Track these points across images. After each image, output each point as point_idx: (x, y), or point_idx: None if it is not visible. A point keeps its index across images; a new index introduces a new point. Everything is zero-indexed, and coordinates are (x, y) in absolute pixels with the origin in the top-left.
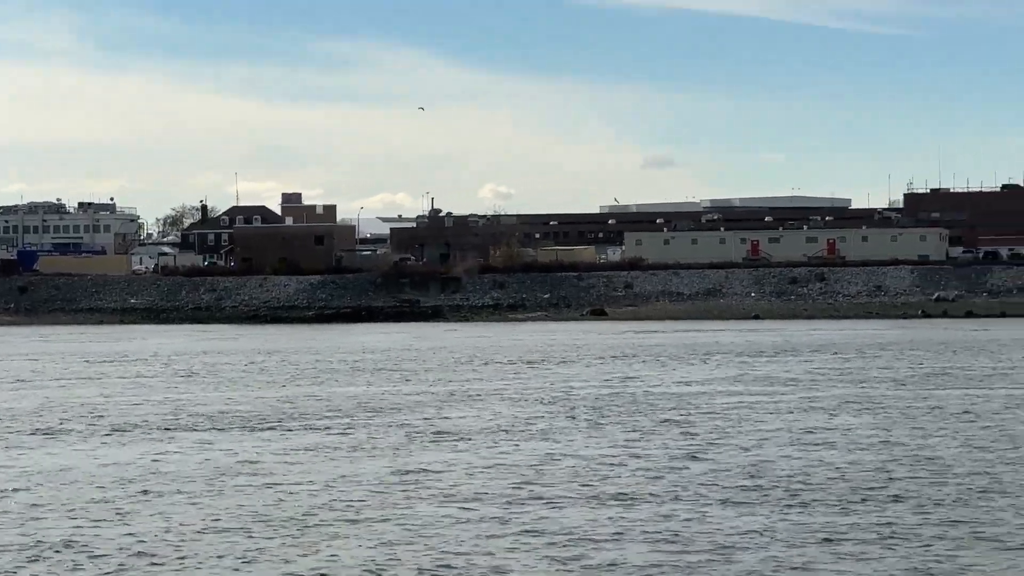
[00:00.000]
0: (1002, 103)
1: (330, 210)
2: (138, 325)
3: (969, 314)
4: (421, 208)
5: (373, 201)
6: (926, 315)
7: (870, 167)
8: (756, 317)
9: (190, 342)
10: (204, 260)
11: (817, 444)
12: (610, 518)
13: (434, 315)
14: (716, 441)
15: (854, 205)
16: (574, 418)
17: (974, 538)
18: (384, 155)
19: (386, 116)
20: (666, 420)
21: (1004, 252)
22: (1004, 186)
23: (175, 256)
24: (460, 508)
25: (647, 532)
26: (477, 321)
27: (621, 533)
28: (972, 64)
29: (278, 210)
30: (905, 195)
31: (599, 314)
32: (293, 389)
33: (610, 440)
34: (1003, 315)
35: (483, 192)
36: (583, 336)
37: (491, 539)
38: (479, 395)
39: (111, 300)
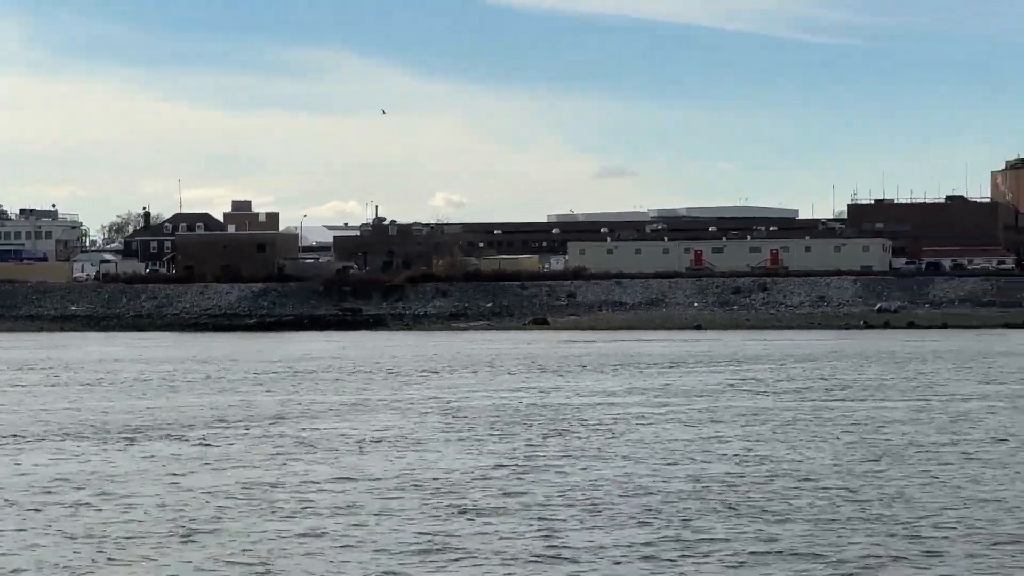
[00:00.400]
0: (947, 114)
1: (273, 218)
2: (78, 332)
3: (911, 325)
4: (372, 216)
5: (325, 209)
6: (868, 326)
7: (819, 178)
8: (698, 327)
9: (124, 350)
10: (146, 268)
11: (681, 456)
12: (448, 532)
13: (376, 324)
14: (585, 454)
15: (802, 216)
16: (456, 429)
17: (775, 553)
18: (336, 163)
19: (339, 124)
20: (549, 432)
21: (947, 263)
22: (948, 197)
23: (117, 263)
24: (290, 521)
25: (476, 547)
26: (419, 330)
27: (443, 549)
28: (919, 75)
29: (226, 218)
30: (849, 206)
31: (541, 323)
32: (189, 398)
33: (481, 452)
34: (945, 326)
35: (435, 201)
36: (514, 346)
37: (311, 555)
38: (376, 405)
39: (51, 307)
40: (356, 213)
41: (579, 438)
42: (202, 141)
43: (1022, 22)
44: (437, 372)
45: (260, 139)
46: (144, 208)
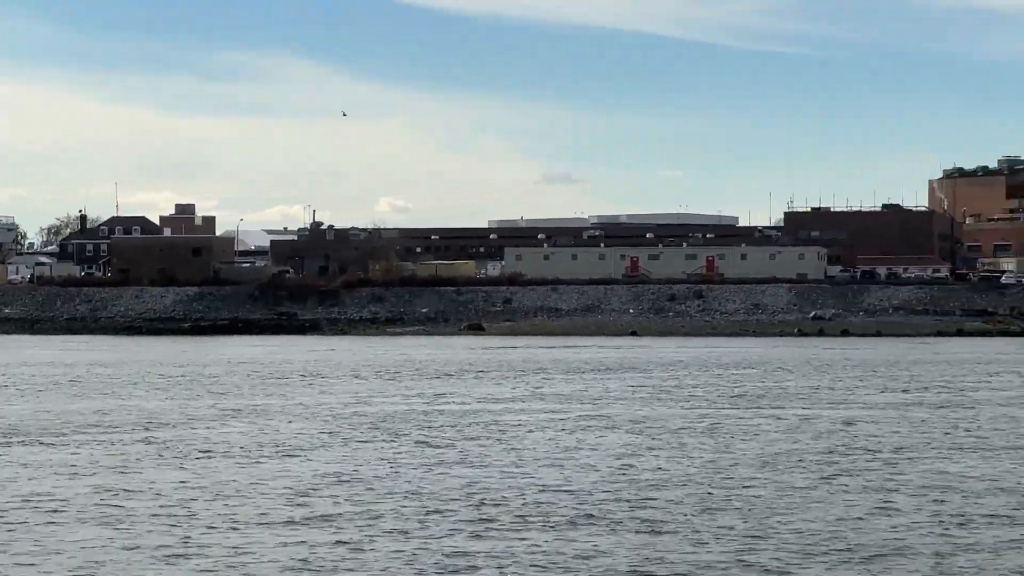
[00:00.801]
0: (886, 123)
1: (210, 222)
2: (11, 335)
3: (845, 333)
4: (313, 221)
5: (270, 213)
6: (803, 333)
7: (759, 185)
8: (633, 334)
9: (53, 353)
10: (82, 271)
11: (543, 463)
12: (282, 542)
13: (311, 328)
14: (456, 460)
15: (742, 223)
16: (331, 435)
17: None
18: (281, 167)
19: (284, 128)
20: (429, 438)
21: (882, 272)
22: (884, 206)
23: (51, 266)
24: (107, 529)
25: (276, 557)
26: (354, 335)
27: (260, 556)
28: (860, 84)
29: (163, 221)
30: (785, 214)
31: (477, 329)
32: (84, 402)
33: (343, 458)
34: (878, 334)
35: (380, 206)
36: (439, 352)
37: (131, 564)
38: (269, 410)
39: None
40: (301, 218)
41: (447, 445)
42: (146, 144)
43: (961, 34)
44: (351, 377)
45: (205, 143)
46: (80, 211)
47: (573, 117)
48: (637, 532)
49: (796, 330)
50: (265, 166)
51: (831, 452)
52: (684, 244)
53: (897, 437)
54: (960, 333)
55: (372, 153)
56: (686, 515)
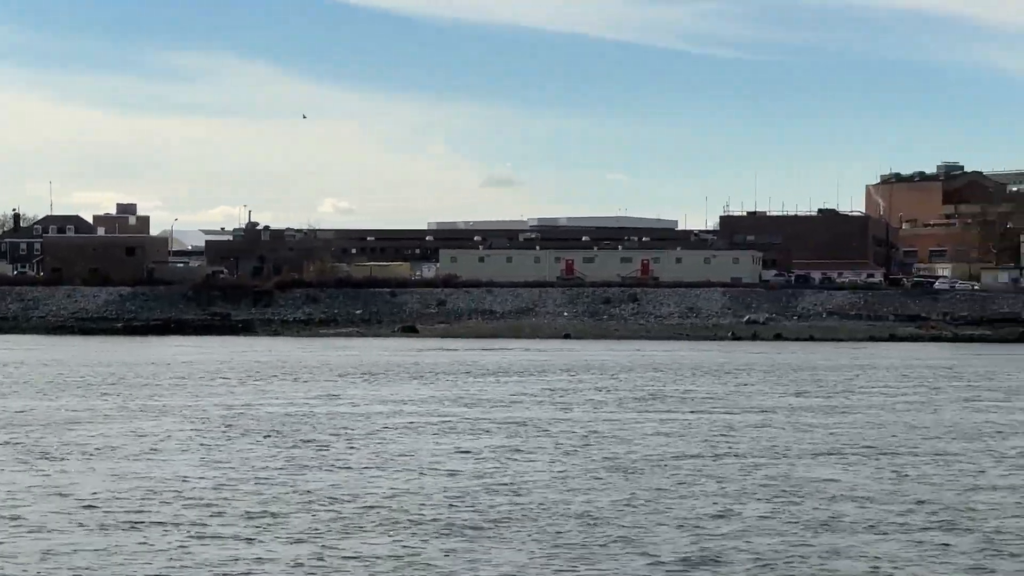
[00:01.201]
0: (825, 128)
1: (144, 221)
2: None
3: (778, 337)
4: (262, 221)
5: (214, 214)
6: (736, 337)
7: (701, 189)
8: (567, 336)
9: None
10: (14, 270)
11: (410, 467)
12: (117, 545)
13: (245, 329)
14: (307, 464)
15: (681, 227)
16: (208, 438)
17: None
18: (226, 168)
19: (229, 129)
20: (298, 442)
21: (817, 276)
22: (820, 210)
23: None
24: None
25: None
26: (288, 336)
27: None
28: (801, 88)
29: (96, 221)
30: (721, 218)
31: (411, 331)
32: None
33: (208, 462)
34: (811, 339)
35: (324, 207)
36: (362, 353)
37: None
38: (160, 411)
39: None
40: (245, 218)
41: (321, 448)
42: (90, 144)
43: (899, 40)
44: (251, 379)
45: (149, 143)
46: (13, 210)
47: (517, 120)
48: (446, 536)
49: (730, 334)
50: (209, 167)
51: (697, 456)
52: (619, 247)
53: (766, 442)
54: (893, 338)
55: (316, 154)
56: (511, 519)
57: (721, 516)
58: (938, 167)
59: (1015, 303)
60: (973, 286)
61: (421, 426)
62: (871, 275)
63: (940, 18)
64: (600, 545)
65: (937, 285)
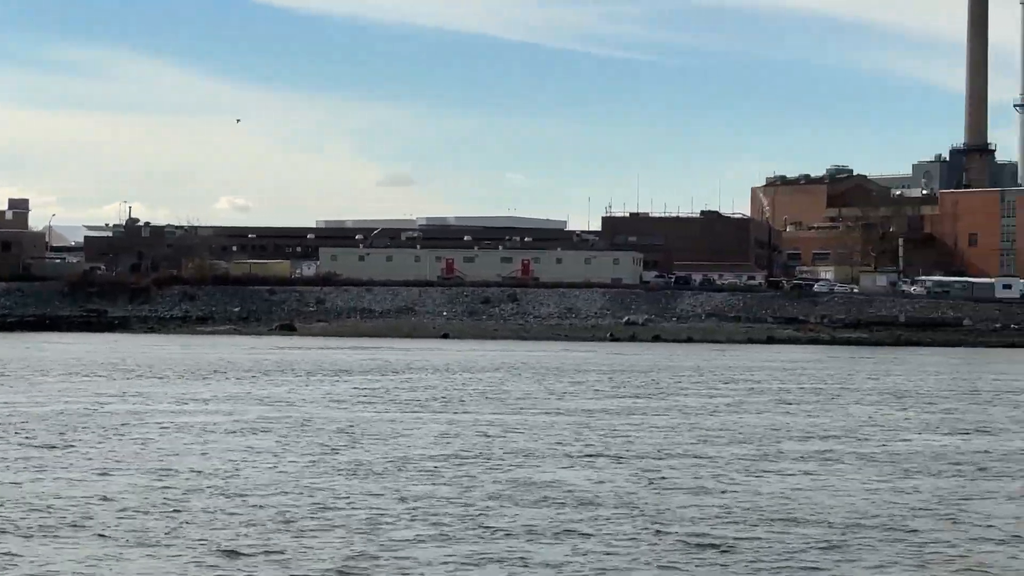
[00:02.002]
0: (718, 131)
1: (20, 217)
2: None
3: (656, 338)
4: (155, 218)
5: (108, 210)
6: (615, 339)
7: (596, 190)
8: (446, 336)
9: None
10: None
11: (159, 467)
12: None
13: (121, 326)
14: (47, 463)
15: (570, 227)
16: None
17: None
18: (121, 164)
19: (127, 125)
20: (59, 441)
21: (698, 278)
22: (703, 212)
23: None
24: None
25: None
26: (164, 333)
27: None
28: (697, 91)
29: None
30: (603, 218)
31: (288, 329)
32: None
33: None
34: (689, 340)
35: (220, 204)
36: (223, 351)
37: None
38: None
39: None
40: (140, 215)
41: (60, 446)
42: None
43: (795, 43)
44: (75, 375)
45: (44, 139)
46: None
47: (415, 119)
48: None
49: (608, 335)
50: (106, 163)
51: (452, 456)
52: (500, 247)
53: (530, 443)
54: (771, 340)
55: (212, 151)
56: (216, 519)
57: (415, 518)
58: (827, 170)
59: (892, 306)
60: (852, 289)
61: (209, 425)
62: (752, 277)
63: (838, 22)
64: (263, 553)
65: (816, 288)
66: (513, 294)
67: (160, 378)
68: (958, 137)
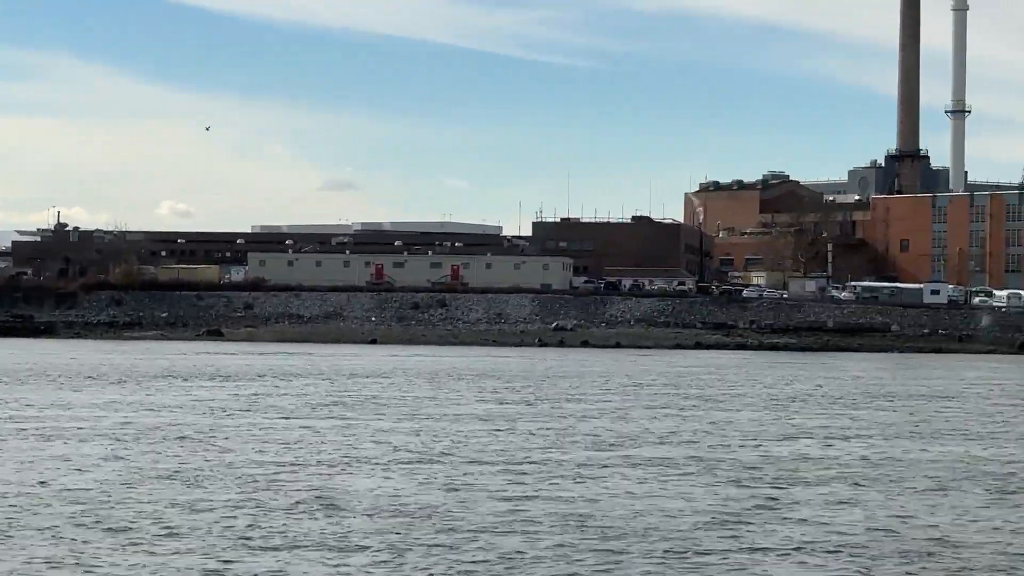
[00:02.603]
0: (656, 136)
1: None
2: None
3: (585, 344)
4: (95, 223)
5: (48, 215)
6: (543, 344)
7: (535, 195)
8: (374, 342)
9: None
10: None
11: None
12: None
13: (47, 331)
14: None
15: (506, 232)
16: None
17: None
18: (61, 168)
19: (67, 129)
20: None
21: (627, 283)
22: (634, 217)
23: None
24: None
25: None
26: (91, 338)
27: None
28: (630, 97)
29: None
30: (534, 224)
31: (215, 334)
32: None
33: None
34: (618, 345)
35: (161, 209)
36: (133, 357)
37: None
38: None
39: None
40: (81, 219)
41: None
42: None
43: (727, 49)
44: None
45: None
46: None
47: (357, 124)
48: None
49: (537, 340)
50: (44, 167)
51: (272, 464)
52: (430, 252)
53: (358, 449)
54: (699, 346)
55: (154, 156)
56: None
57: (194, 528)
58: (763, 176)
59: (821, 311)
60: (781, 294)
61: (51, 431)
62: (683, 283)
63: (777, 28)
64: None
65: (745, 293)
66: (442, 299)
67: (48, 384)
68: (894, 143)
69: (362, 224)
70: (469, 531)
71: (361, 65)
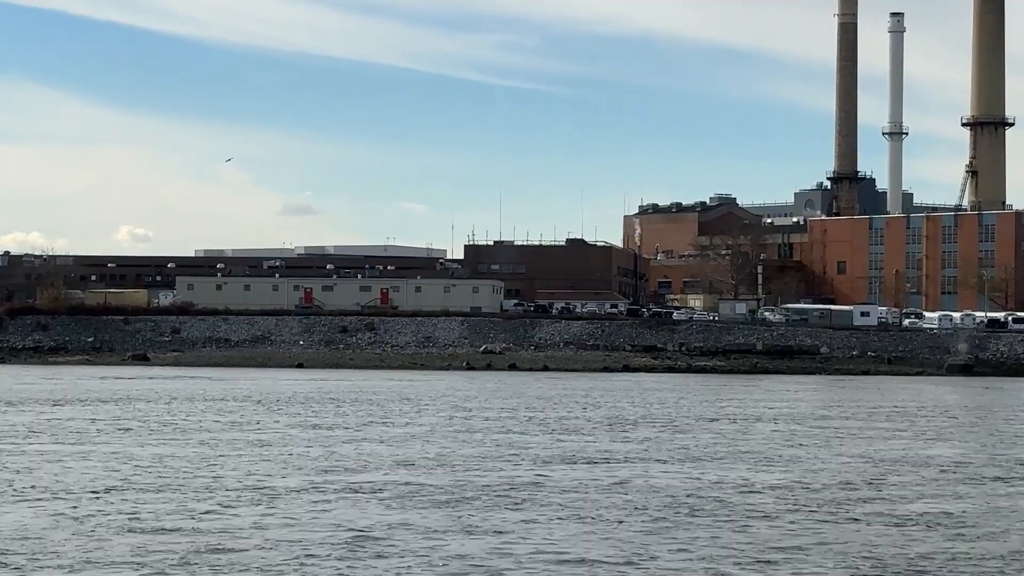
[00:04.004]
0: (593, 160)
1: None
2: None
3: (512, 367)
4: (52, 248)
5: (5, 240)
6: (470, 367)
7: (488, 218)
8: (300, 366)
9: None
10: None
11: None
12: None
13: None
14: None
15: (450, 256)
16: None
17: None
18: (18, 193)
19: (24, 154)
20: None
21: (558, 306)
22: (568, 240)
23: None
24: None
25: None
26: (15, 364)
27: None
28: (579, 119)
29: None
30: (466, 247)
31: (141, 359)
32: None
33: None
34: (546, 368)
35: (119, 234)
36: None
37: None
38: None
39: None
40: (40, 245)
41: None
42: None
43: (675, 72)
44: None
45: None
46: None
47: (317, 149)
48: None
49: (465, 363)
50: (3, 191)
51: (53, 488)
52: (359, 276)
53: (143, 476)
54: (626, 368)
55: (112, 181)
56: None
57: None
58: (710, 199)
59: (751, 334)
60: (713, 317)
61: None
62: (615, 305)
63: (730, 51)
64: None
65: (676, 316)
66: (371, 323)
67: None
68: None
69: (305, 248)
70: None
71: (320, 90)
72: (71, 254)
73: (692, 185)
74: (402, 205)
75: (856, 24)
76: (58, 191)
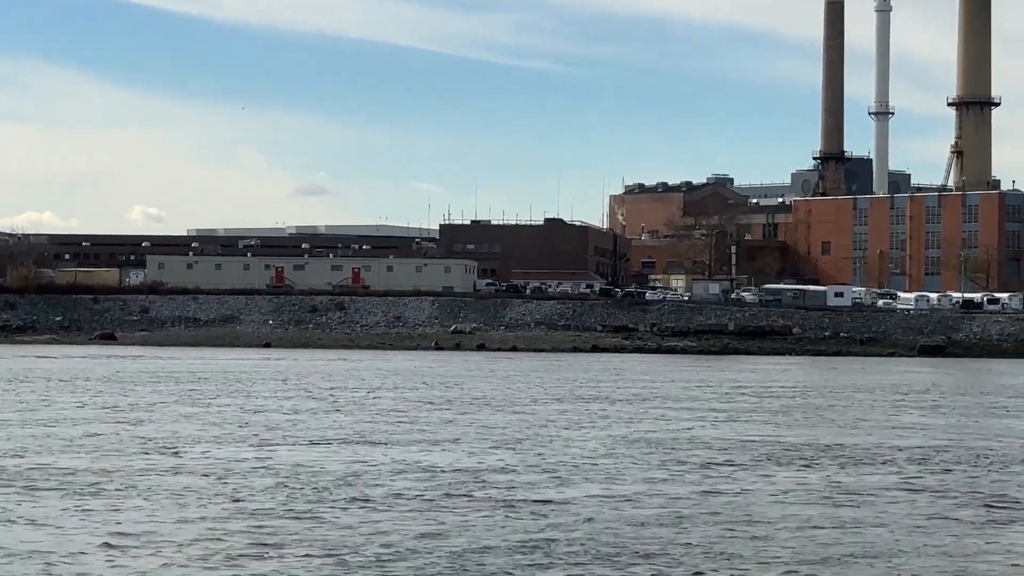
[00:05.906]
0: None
1: None
2: None
3: (481, 347)
4: (66, 227)
5: (19, 220)
6: (439, 347)
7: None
8: (268, 345)
9: None
10: None
11: None
12: None
13: None
14: None
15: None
16: None
17: None
18: (33, 173)
19: (39, 134)
20: None
21: (532, 286)
22: (546, 220)
23: None
24: None
25: None
26: None
27: None
28: (583, 100)
29: None
30: (441, 226)
31: (109, 339)
32: None
33: None
34: (515, 349)
35: (133, 214)
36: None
37: None
38: None
39: None
40: (52, 224)
41: None
42: None
43: (671, 51)
44: None
45: None
46: None
47: (332, 130)
48: None
49: (434, 343)
50: (15, 172)
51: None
52: (331, 255)
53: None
54: (595, 349)
55: (126, 161)
56: None
57: None
58: (707, 179)
59: (723, 314)
60: (685, 296)
61: None
62: (590, 286)
63: (732, 29)
64: None
65: (648, 296)
66: (341, 303)
67: None
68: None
69: (296, 227)
70: None
71: (336, 70)
72: (82, 233)
73: (691, 165)
74: (416, 185)
75: (843, 2)
76: (72, 172)
